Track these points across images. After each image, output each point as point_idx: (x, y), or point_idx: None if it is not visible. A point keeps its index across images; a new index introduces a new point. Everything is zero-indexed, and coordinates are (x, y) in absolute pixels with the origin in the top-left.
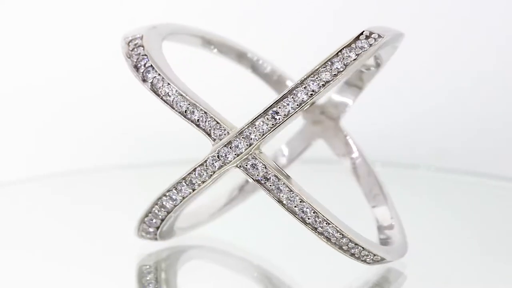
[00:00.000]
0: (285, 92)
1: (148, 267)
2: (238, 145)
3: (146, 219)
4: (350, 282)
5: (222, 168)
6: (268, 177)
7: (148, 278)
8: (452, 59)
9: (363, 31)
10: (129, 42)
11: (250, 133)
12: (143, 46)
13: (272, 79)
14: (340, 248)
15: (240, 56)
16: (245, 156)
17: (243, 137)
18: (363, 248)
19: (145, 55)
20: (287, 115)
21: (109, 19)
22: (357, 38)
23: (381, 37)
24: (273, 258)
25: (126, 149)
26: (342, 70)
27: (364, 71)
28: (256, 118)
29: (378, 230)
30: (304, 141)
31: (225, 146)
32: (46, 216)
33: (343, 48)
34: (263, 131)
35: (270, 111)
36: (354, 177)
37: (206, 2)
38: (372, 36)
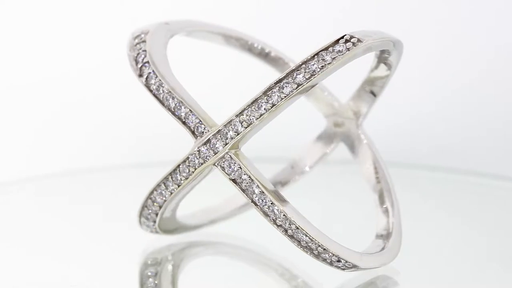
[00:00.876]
0: (259, 94)
1: (150, 264)
2: (215, 144)
3: (143, 212)
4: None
5: (202, 166)
6: (242, 177)
7: (150, 280)
8: (452, 59)
9: (344, 35)
10: (135, 37)
11: (227, 132)
12: (145, 42)
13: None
14: (311, 252)
15: (256, 52)
16: (222, 155)
17: (220, 136)
18: (333, 254)
19: (145, 50)
20: (260, 117)
21: (109, 18)
22: (336, 41)
23: (361, 41)
24: (288, 255)
25: (126, 149)
26: (316, 74)
27: (377, 77)
28: (233, 118)
29: (375, 237)
30: (326, 143)
31: (204, 144)
32: (46, 216)
33: (320, 51)
34: (238, 131)
35: (245, 112)
36: (367, 182)
37: (207, 1)
38: (352, 40)
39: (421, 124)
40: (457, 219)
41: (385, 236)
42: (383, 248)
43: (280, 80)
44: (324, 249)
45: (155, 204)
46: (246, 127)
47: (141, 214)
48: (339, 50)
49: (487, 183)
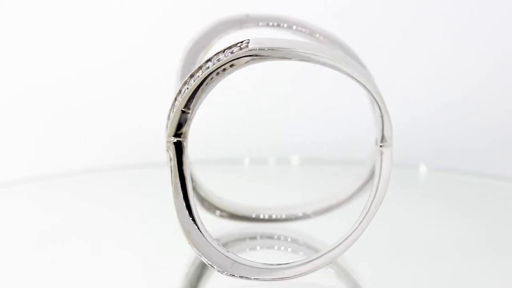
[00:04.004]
0: (176, 94)
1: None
2: None
3: None
4: None
5: None
6: None
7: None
8: (452, 60)
9: (244, 40)
10: None
11: None
12: None
13: None
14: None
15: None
16: None
17: None
18: (205, 258)
19: None
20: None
21: (110, 22)
22: (235, 45)
23: (247, 47)
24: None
25: (126, 149)
26: (207, 75)
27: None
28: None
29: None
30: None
31: None
32: (46, 216)
33: (218, 53)
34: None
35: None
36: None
37: (207, 2)
38: (241, 45)
39: (421, 124)
40: (457, 219)
41: (316, 257)
42: (288, 264)
43: (185, 80)
44: (200, 254)
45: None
46: None
47: None
48: (232, 51)
49: (487, 183)
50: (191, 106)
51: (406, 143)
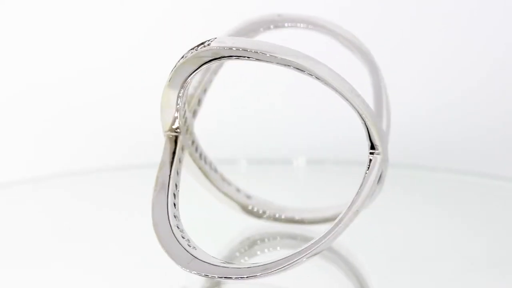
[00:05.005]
0: None
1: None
2: None
3: None
4: None
5: None
6: None
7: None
8: (452, 61)
9: (211, 39)
10: None
11: None
12: None
13: None
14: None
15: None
16: None
17: None
18: (166, 252)
19: None
20: None
21: (110, 23)
22: (202, 43)
23: (208, 45)
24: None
25: (126, 149)
26: (175, 67)
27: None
28: None
29: None
30: None
31: None
32: (46, 216)
33: (190, 49)
34: None
35: None
36: None
37: (207, 2)
38: (205, 43)
39: (421, 124)
40: (457, 219)
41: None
42: (249, 266)
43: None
44: (162, 246)
45: None
46: None
47: None
48: (196, 49)
49: (487, 183)
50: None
51: (406, 143)
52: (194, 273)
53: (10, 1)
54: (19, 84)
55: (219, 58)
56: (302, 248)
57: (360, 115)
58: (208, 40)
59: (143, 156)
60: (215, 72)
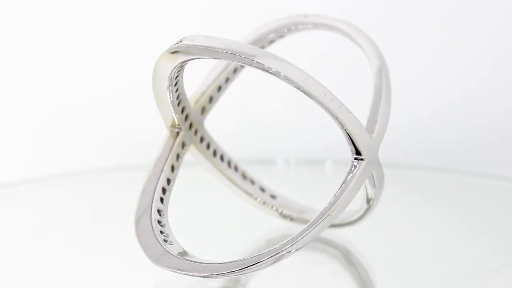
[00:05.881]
0: None
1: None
2: None
3: None
4: None
5: None
6: None
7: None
8: (452, 61)
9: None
10: None
11: None
12: None
13: None
14: None
15: None
16: None
17: None
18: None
19: None
20: None
21: (110, 23)
22: (180, 41)
23: (180, 42)
24: None
25: (126, 150)
26: None
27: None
28: None
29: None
30: None
31: None
32: (46, 216)
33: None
34: None
35: None
36: None
37: (207, 2)
38: (182, 39)
39: (421, 124)
40: (457, 219)
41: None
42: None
43: None
44: (137, 237)
45: None
46: None
47: None
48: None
49: (487, 183)
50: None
51: (406, 143)
52: (162, 267)
53: (10, 1)
54: (19, 84)
55: (192, 55)
56: (272, 248)
57: (336, 120)
58: (184, 38)
59: (143, 156)
60: (233, 71)
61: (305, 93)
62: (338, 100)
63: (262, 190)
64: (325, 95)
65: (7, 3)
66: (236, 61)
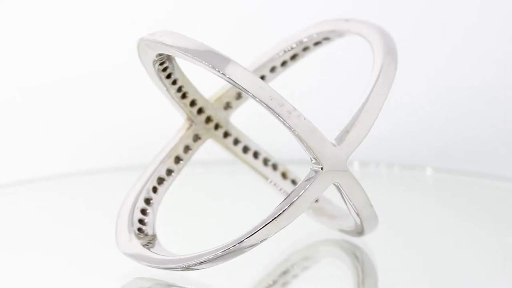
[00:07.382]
0: None
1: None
2: None
3: None
4: None
5: None
6: None
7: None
8: (453, 61)
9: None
10: None
11: None
12: None
13: None
14: None
15: None
16: None
17: None
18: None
19: None
20: None
21: (111, 23)
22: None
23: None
24: None
25: (126, 150)
26: None
27: None
28: None
29: None
30: None
31: None
32: (46, 217)
33: None
34: None
35: None
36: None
37: (207, 3)
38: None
39: (421, 125)
40: (457, 219)
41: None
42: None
43: None
44: (115, 224)
45: None
46: None
47: None
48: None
49: (487, 184)
50: None
51: (406, 143)
52: (124, 254)
53: (10, 1)
54: (19, 84)
55: (155, 50)
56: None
57: (285, 125)
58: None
59: (144, 157)
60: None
61: (251, 96)
62: (289, 104)
63: (294, 182)
64: (271, 99)
65: (8, 3)
66: (184, 59)
